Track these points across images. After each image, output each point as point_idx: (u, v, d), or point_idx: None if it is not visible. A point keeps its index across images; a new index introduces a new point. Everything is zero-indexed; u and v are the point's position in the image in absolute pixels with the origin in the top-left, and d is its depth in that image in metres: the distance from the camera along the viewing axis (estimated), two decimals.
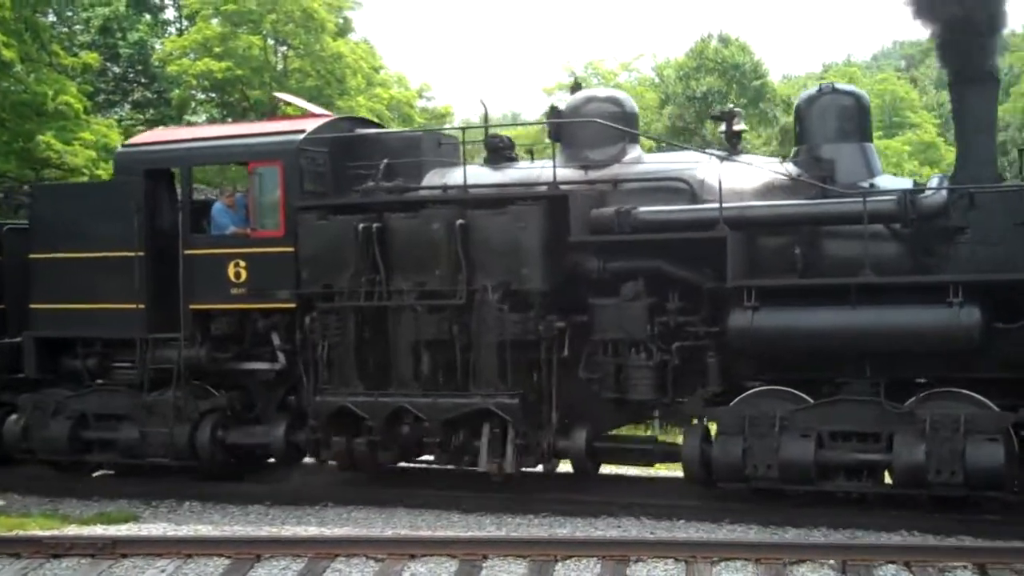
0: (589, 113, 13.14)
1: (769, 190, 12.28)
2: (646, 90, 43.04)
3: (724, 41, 41.61)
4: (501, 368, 12.11)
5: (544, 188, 12.36)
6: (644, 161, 12.98)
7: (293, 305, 12.99)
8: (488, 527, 11.73)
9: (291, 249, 12.94)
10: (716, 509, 11.75)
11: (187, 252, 13.37)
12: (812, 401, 11.45)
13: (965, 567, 9.14)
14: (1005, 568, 9.07)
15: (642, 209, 12.04)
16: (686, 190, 12.32)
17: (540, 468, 12.54)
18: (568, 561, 9.47)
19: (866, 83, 56.21)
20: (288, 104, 15.44)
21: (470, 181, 12.89)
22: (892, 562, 9.26)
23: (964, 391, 11.07)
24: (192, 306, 13.41)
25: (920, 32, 37.11)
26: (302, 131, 13.36)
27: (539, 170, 13.17)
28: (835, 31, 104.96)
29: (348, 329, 12.68)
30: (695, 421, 12.10)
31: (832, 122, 12.40)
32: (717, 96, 37.39)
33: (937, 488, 10.78)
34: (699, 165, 12.57)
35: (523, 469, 12.30)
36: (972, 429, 10.68)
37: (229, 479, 13.85)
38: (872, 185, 12.12)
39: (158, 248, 13.60)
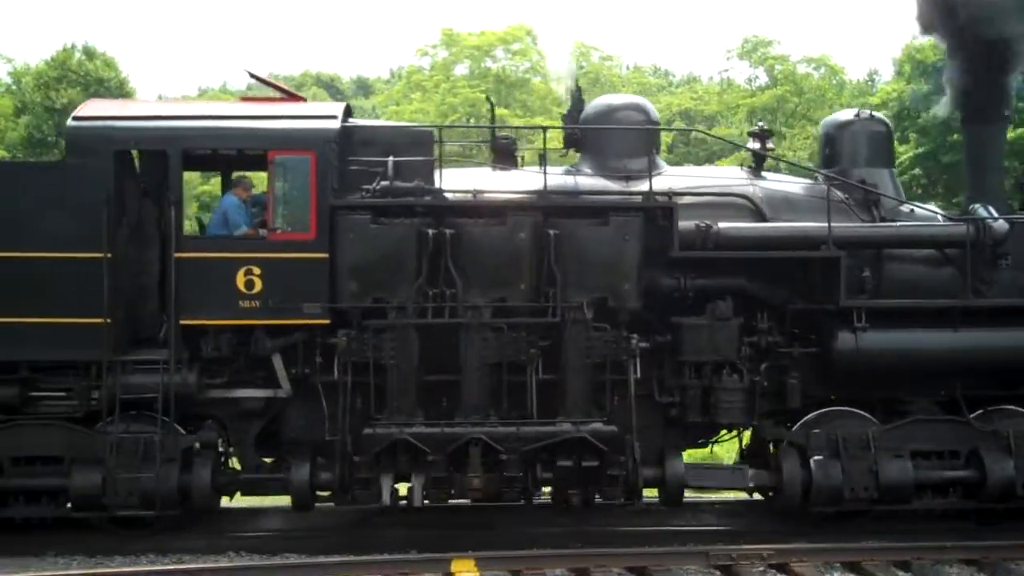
0: (619, 121, 12.41)
1: (812, 210, 12.28)
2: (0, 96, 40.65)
3: (88, 53, 40.30)
4: (593, 393, 11.08)
5: (639, 199, 11.46)
6: (691, 175, 12.44)
7: (325, 322, 10.95)
8: None
9: (324, 255, 10.91)
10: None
11: (180, 255, 10.80)
12: (875, 420, 11.66)
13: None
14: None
15: (731, 225, 11.57)
16: (749, 207, 12.03)
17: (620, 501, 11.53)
18: None
19: None
20: (260, 83, 12.88)
21: (500, 185, 11.72)
22: None
23: (1013, 407, 11.85)
24: (185, 321, 10.85)
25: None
26: (334, 116, 11.32)
27: (574, 178, 12.16)
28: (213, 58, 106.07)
29: (408, 350, 10.93)
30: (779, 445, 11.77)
31: (865, 147, 12.69)
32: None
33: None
34: (752, 182, 12.32)
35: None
36: None
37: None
38: (912, 211, 12.60)
39: (123, 250, 10.89)
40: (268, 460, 11.77)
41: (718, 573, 10.14)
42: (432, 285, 10.97)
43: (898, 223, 12.11)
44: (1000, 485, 11.39)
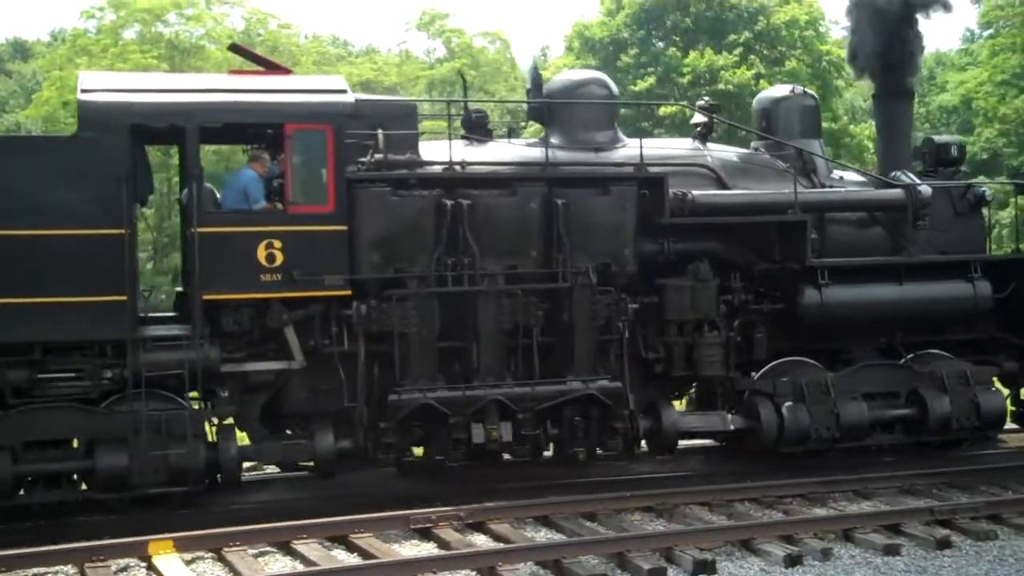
0: (585, 95, 13.11)
1: (759, 176, 13.41)
2: None
3: None
4: (597, 352, 11.82)
5: (624, 169, 12.22)
6: (651, 147, 13.21)
7: (347, 293, 11.19)
8: None
9: (343, 227, 11.14)
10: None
11: (202, 231, 10.78)
12: (823, 368, 12.96)
13: None
14: None
15: (705, 193, 12.54)
16: (710, 175, 13.03)
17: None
18: None
19: None
20: (244, 54, 12.59)
21: (489, 157, 12.27)
22: None
23: (938, 351, 13.45)
24: (207, 296, 10.84)
25: None
26: (343, 90, 11.50)
27: (550, 151, 12.74)
28: None
29: (429, 317, 11.33)
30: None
31: (798, 120, 13.93)
32: None
33: (960, 432, 13.03)
34: (707, 152, 13.32)
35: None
36: (977, 381, 13.09)
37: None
38: (841, 178, 13.99)
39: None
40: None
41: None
42: (450, 254, 11.41)
43: (845, 189, 13.44)
44: (939, 420, 12.92)
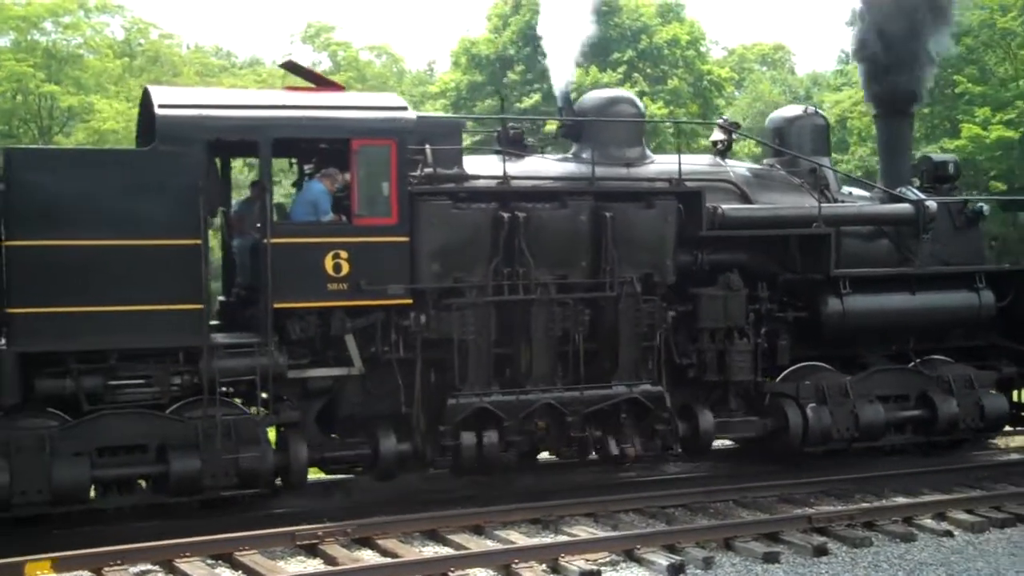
0: (617, 114, 13.74)
1: (778, 190, 14.16)
2: None
3: None
4: (641, 358, 12.44)
5: (667, 184, 12.85)
6: (674, 162, 13.77)
7: (408, 301, 11.65)
8: None
9: (405, 239, 11.61)
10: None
11: (274, 241, 11.16)
12: (839, 372, 13.74)
13: None
14: None
15: (735, 207, 13.22)
16: (734, 190, 13.73)
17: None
18: None
19: None
20: (297, 71, 12.86)
21: (530, 171, 12.83)
22: None
23: (942, 357, 14.30)
24: (277, 305, 11.23)
25: None
26: (404, 107, 11.97)
27: (584, 166, 13.31)
28: None
29: (485, 325, 11.85)
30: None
31: (810, 139, 14.70)
32: None
33: (966, 432, 13.90)
34: (728, 167, 14.03)
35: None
36: (981, 384, 13.98)
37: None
38: (851, 193, 14.80)
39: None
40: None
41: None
42: (506, 265, 11.94)
43: (859, 203, 14.26)
44: (948, 421, 13.77)
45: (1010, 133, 33.86)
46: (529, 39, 42.90)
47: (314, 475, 12.61)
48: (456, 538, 10.59)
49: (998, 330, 14.56)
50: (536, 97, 40.21)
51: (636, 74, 39.91)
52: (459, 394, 11.79)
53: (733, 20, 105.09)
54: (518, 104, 39.28)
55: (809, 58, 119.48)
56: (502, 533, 10.74)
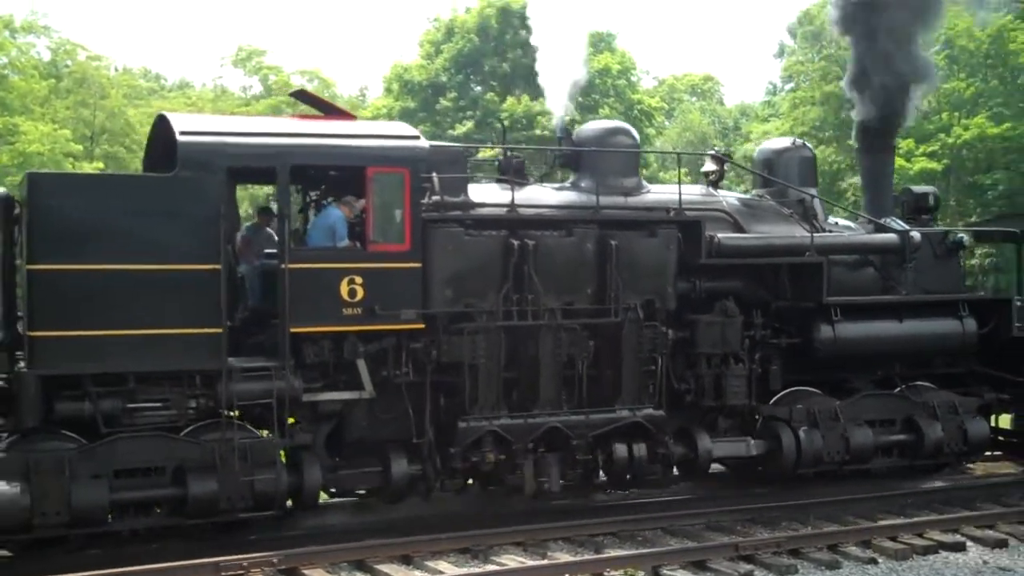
0: (615, 144, 14.12)
1: (768, 220, 14.59)
2: None
3: None
4: (643, 382, 12.76)
5: (670, 213, 13.21)
6: (669, 192, 14.14)
7: (421, 326, 11.88)
8: None
9: (417, 265, 11.86)
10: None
11: (292, 266, 11.35)
12: (827, 397, 14.16)
13: None
14: None
15: (730, 236, 13.62)
16: (727, 219, 14.12)
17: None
18: None
19: None
20: (307, 100, 13.02)
21: (532, 199, 13.13)
22: None
23: (925, 383, 14.79)
24: (294, 329, 11.41)
25: None
26: (416, 136, 12.23)
27: (584, 195, 13.61)
28: None
29: (495, 350, 12.11)
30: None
31: (797, 170, 15.18)
32: None
33: (948, 456, 14.36)
34: (720, 197, 14.44)
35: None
36: (964, 410, 14.47)
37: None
38: (836, 223, 15.28)
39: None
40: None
41: None
42: (515, 291, 12.22)
43: (847, 233, 14.74)
44: (933, 445, 14.23)
45: (933, 164, 34.84)
46: (461, 66, 43.56)
47: None
48: (384, 568, 10.66)
49: (979, 357, 15.06)
50: (469, 124, 40.61)
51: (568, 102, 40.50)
52: (469, 417, 12.02)
53: (663, 51, 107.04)
54: (451, 131, 39.56)
55: (738, 89, 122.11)
56: (431, 563, 10.85)
